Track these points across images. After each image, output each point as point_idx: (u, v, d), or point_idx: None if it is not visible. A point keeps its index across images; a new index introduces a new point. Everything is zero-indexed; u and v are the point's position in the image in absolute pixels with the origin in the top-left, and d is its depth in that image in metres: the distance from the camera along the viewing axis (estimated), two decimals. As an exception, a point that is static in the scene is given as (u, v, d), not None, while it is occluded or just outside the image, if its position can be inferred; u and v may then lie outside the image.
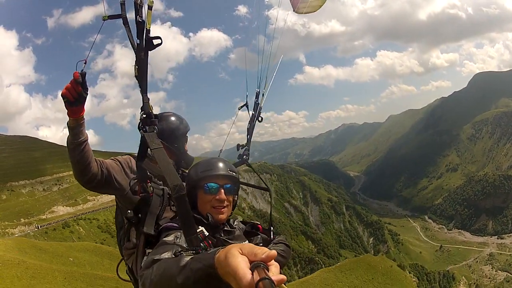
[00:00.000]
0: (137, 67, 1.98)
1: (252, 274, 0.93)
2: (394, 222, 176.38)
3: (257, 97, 3.45)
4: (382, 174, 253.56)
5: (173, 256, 1.48)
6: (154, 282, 1.37)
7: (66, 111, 2.11)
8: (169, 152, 2.59)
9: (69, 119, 2.16)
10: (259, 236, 2.34)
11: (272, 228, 2.51)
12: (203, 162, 2.19)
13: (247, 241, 2.20)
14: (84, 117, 2.23)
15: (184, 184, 2.03)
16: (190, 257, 1.30)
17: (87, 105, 2.11)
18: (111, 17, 2.02)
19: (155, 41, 1.97)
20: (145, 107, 2.06)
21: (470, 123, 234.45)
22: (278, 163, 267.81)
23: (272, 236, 2.45)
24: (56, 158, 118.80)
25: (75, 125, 2.18)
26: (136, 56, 1.97)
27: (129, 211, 2.38)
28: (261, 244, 2.25)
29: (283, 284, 0.94)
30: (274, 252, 1.00)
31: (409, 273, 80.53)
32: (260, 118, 3.40)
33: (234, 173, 2.18)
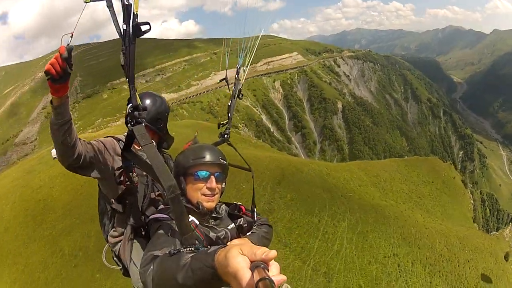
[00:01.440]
0: (123, 54, 1.78)
1: (252, 274, 0.94)
2: (485, 142, 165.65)
3: (237, 72, 3.27)
4: (483, 87, 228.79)
5: (172, 252, 1.44)
6: (155, 281, 1.39)
7: (49, 88, 1.96)
8: (152, 134, 2.66)
9: (52, 97, 2.02)
10: (242, 217, 2.36)
11: (255, 209, 2.48)
12: (194, 149, 2.19)
13: (232, 224, 2.24)
14: (68, 95, 2.07)
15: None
16: (190, 255, 1.30)
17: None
18: None
19: (143, 27, 1.76)
20: (133, 99, 1.92)
21: None
22: (384, 53, 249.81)
23: (255, 217, 2.43)
24: (157, 52, 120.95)
25: (59, 104, 2.03)
26: (122, 43, 1.76)
27: (112, 200, 2.35)
28: (245, 225, 2.32)
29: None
30: (274, 252, 1.00)
31: (484, 201, 77.68)
32: (240, 95, 3.23)
33: (224, 161, 2.18)
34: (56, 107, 2.03)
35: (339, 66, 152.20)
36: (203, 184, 2.08)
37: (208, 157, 2.10)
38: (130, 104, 1.92)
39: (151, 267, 1.45)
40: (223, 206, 2.34)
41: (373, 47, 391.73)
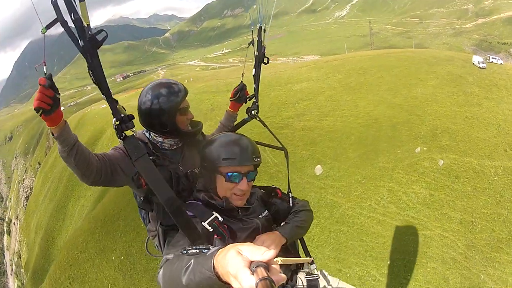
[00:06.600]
0: (91, 71, 1.67)
1: (253, 274, 0.91)
2: None
3: (259, 34, 2.72)
4: None
5: (182, 253, 1.42)
6: (166, 283, 1.40)
7: (45, 122, 1.79)
8: (165, 136, 2.38)
9: (51, 129, 1.87)
10: (275, 204, 2.20)
11: (290, 193, 2.28)
12: (226, 144, 1.93)
13: (266, 211, 2.10)
14: (65, 119, 1.88)
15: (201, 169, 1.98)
16: (194, 257, 1.29)
17: None
18: (48, 26, 1.65)
19: (99, 36, 1.64)
20: (115, 112, 1.80)
21: None
22: None
23: (291, 203, 2.24)
24: None
25: (59, 132, 1.87)
26: (86, 60, 1.65)
27: (141, 197, 2.26)
28: (281, 212, 2.19)
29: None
30: (273, 251, 0.98)
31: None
32: (266, 60, 2.75)
33: (258, 159, 1.95)
34: (57, 137, 1.89)
35: None
36: (234, 185, 1.90)
37: (242, 158, 1.88)
38: (115, 119, 1.82)
39: (161, 270, 1.45)
40: (257, 191, 2.19)
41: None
